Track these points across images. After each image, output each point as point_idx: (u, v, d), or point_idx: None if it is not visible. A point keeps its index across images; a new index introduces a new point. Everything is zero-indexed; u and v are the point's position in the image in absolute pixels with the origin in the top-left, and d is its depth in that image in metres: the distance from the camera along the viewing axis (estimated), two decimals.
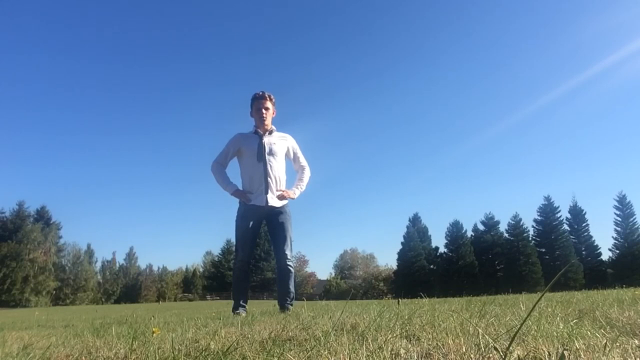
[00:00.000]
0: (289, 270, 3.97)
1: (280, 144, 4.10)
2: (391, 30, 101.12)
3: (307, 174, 4.28)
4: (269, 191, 3.95)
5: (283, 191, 4.03)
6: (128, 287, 67.43)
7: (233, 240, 4.30)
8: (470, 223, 60.32)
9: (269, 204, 3.94)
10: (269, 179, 3.95)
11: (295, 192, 4.15)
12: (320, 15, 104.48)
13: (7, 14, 79.47)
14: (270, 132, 4.09)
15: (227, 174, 4.13)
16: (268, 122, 4.08)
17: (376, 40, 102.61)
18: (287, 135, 4.24)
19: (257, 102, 4.07)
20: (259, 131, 4.06)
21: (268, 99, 4.09)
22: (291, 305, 3.91)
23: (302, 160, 4.29)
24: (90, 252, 64.91)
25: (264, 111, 4.04)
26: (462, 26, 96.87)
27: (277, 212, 3.99)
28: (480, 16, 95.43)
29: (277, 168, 4.03)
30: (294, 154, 4.25)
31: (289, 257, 3.96)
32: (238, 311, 3.85)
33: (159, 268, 73.85)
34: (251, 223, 3.98)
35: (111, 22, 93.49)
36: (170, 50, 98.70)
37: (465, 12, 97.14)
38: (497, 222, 56.40)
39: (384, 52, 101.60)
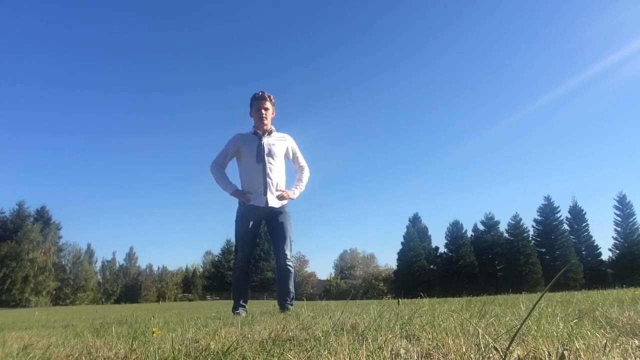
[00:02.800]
0: (289, 270, 3.97)
1: (279, 144, 4.09)
2: (391, 30, 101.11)
3: (306, 174, 4.28)
4: (268, 192, 3.94)
5: (282, 191, 4.03)
6: (128, 287, 67.38)
7: (233, 240, 4.30)
8: (470, 223, 60.36)
9: (269, 205, 3.94)
10: (268, 179, 3.95)
11: (295, 193, 4.15)
12: (320, 15, 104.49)
13: (7, 14, 79.48)
14: (270, 133, 4.08)
15: (226, 174, 4.13)
16: (267, 122, 4.07)
17: (376, 40, 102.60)
18: (287, 135, 4.23)
19: (257, 102, 4.07)
20: (258, 132, 4.05)
21: (268, 99, 4.08)
22: (291, 305, 3.91)
23: (302, 161, 4.29)
24: (90, 252, 64.93)
25: (263, 112, 4.03)
26: (462, 26, 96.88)
27: (276, 213, 3.99)
28: (480, 16, 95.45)
29: (277, 169, 4.03)
30: (293, 154, 4.25)
31: (288, 257, 3.96)
32: (238, 311, 3.85)
33: (159, 268, 73.89)
34: (251, 223, 3.97)
35: (111, 22, 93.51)
36: (170, 50, 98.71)
37: (465, 12, 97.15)
38: (497, 222, 56.42)
39: (384, 52, 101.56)
